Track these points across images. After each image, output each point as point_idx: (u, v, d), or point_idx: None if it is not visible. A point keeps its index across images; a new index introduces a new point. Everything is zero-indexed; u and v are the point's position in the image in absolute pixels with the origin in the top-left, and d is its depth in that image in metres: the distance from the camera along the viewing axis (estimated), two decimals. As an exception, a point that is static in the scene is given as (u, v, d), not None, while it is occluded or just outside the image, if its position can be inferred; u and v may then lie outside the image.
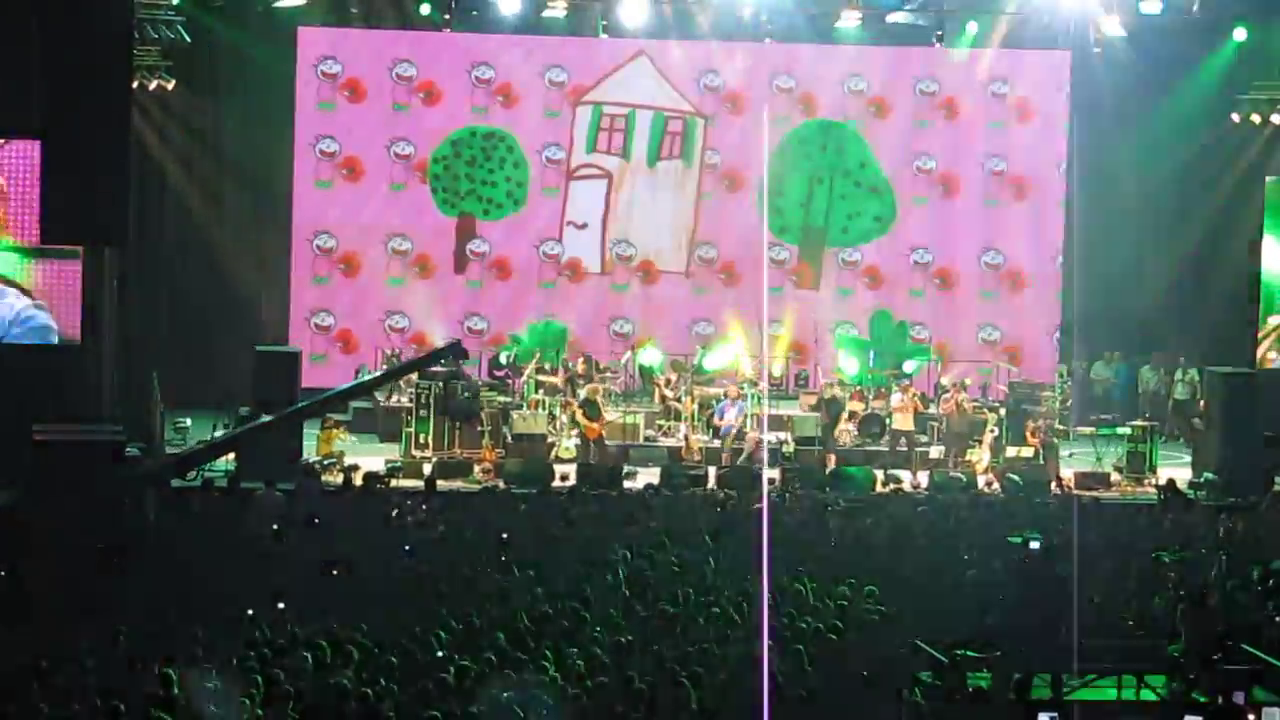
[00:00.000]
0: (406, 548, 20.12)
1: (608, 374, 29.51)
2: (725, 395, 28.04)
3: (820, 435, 27.67)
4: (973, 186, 32.26)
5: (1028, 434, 27.48)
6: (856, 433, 28.28)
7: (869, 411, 28.38)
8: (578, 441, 27.13)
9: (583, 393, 27.58)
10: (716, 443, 27.69)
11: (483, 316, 31.69)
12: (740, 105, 31.99)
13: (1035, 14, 30.71)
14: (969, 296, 32.35)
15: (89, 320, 26.27)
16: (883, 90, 32.08)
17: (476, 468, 26.61)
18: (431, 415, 26.97)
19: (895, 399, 28.19)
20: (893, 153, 32.18)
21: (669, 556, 19.87)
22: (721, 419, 27.72)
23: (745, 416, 27.82)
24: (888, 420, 28.10)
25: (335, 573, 18.85)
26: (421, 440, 27.13)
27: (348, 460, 26.51)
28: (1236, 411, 27.69)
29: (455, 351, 22.05)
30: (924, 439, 28.32)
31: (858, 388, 29.13)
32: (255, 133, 31.20)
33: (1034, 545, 17.45)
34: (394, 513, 22.07)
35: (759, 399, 28.52)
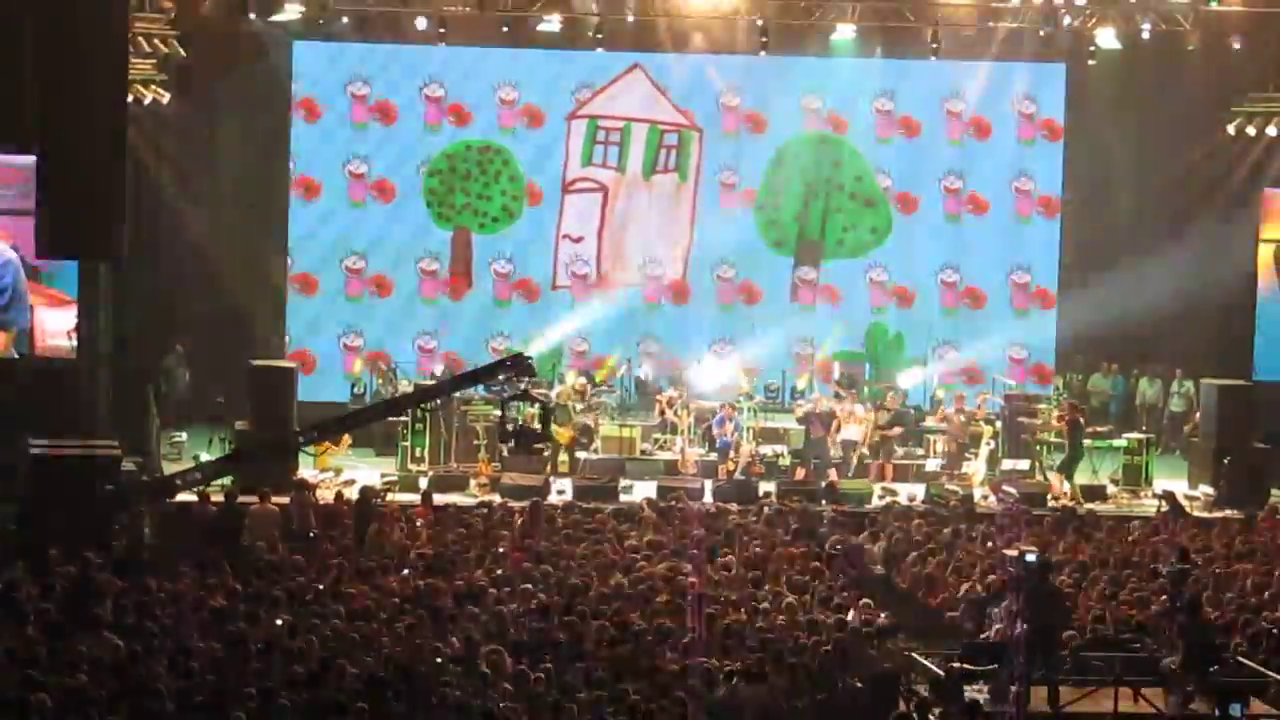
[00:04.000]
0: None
1: (603, 388, 29.50)
2: (720, 410, 27.98)
3: (803, 449, 27.62)
4: (970, 198, 32.22)
5: (1054, 419, 27.73)
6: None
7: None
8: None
9: (555, 395, 27.58)
10: (713, 456, 27.67)
11: (478, 329, 31.64)
12: (735, 118, 32.00)
13: (1031, 26, 30.71)
14: (966, 308, 32.30)
15: (85, 334, 26.30)
16: (878, 102, 32.05)
17: (473, 481, 26.59)
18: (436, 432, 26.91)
19: (845, 408, 28.07)
20: (888, 165, 32.16)
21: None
22: (720, 428, 27.66)
23: (741, 431, 27.78)
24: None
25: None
26: (418, 454, 27.11)
27: (344, 474, 26.52)
28: (1232, 423, 27.69)
29: (517, 365, 20.40)
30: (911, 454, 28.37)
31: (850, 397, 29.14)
32: (251, 147, 31.20)
33: (1030, 558, 17.43)
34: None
35: (754, 412, 28.54)
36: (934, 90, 31.99)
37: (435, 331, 31.49)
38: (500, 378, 21.30)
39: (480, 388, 24.95)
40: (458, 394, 26.26)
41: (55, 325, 26.85)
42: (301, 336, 31.29)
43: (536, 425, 20.54)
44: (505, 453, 26.42)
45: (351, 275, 31.50)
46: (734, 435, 27.60)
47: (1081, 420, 27.43)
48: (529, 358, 20.72)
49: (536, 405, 21.00)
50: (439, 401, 26.25)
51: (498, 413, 27.57)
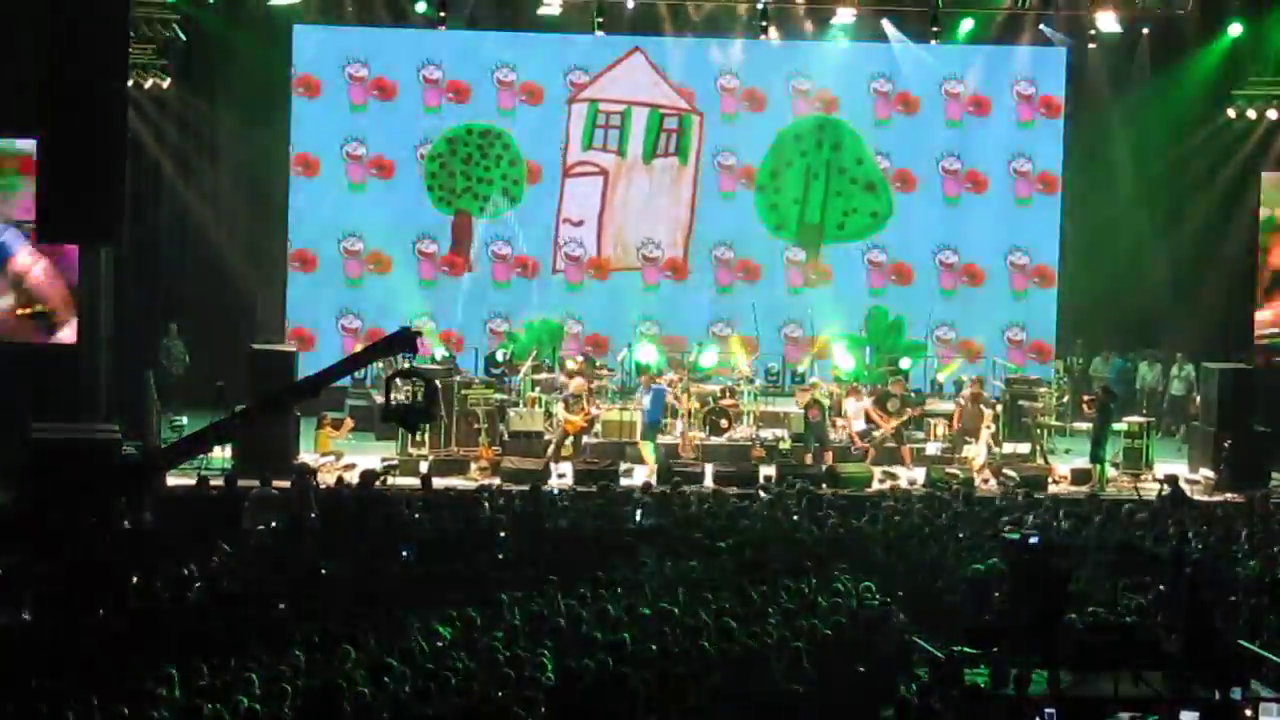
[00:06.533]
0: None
1: (604, 371, 29.51)
2: (643, 381, 27.66)
3: (805, 433, 27.62)
4: (970, 181, 32.23)
5: (1084, 406, 27.86)
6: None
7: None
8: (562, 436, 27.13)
9: (570, 386, 27.57)
10: (714, 440, 27.59)
11: (479, 313, 31.65)
12: (736, 102, 31.99)
13: (1031, 10, 30.70)
14: (965, 291, 32.31)
15: (85, 319, 26.32)
16: (878, 86, 32.06)
17: (473, 465, 26.60)
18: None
19: (851, 405, 28.10)
20: (889, 148, 32.17)
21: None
22: (642, 401, 27.30)
23: (674, 402, 27.64)
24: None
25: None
26: (418, 438, 27.08)
27: (345, 459, 26.53)
28: (1232, 407, 27.70)
29: (401, 341, 19.73)
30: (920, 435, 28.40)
31: (853, 384, 29.15)
32: (251, 131, 31.18)
33: (1031, 541, 17.44)
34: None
35: (754, 396, 28.57)
36: (933, 72, 32.00)
37: (433, 313, 31.46)
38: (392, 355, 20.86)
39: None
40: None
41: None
42: (300, 316, 31.32)
43: (420, 403, 19.92)
44: (498, 438, 26.41)
45: (349, 256, 31.50)
46: (671, 403, 27.45)
47: (1111, 406, 27.47)
48: (416, 333, 20.34)
49: (421, 381, 20.25)
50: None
51: (499, 396, 27.87)
